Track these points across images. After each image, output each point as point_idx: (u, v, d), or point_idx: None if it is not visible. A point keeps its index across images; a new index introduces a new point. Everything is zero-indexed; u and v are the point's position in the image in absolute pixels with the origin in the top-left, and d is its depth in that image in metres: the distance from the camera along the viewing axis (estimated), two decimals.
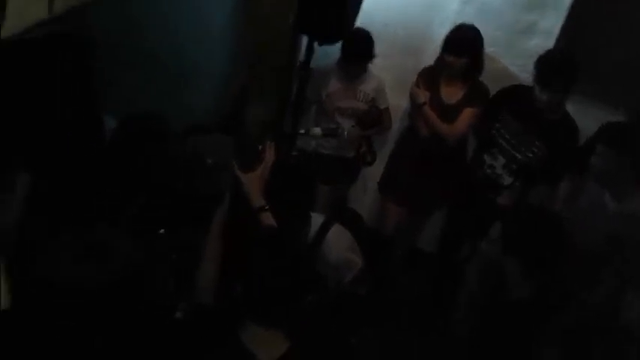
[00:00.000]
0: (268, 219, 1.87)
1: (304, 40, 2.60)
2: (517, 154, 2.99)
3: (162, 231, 2.40)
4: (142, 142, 2.64)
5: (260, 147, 1.91)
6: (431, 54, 3.20)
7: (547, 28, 3.22)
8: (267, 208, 1.88)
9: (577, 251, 2.43)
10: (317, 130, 2.79)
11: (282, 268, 1.58)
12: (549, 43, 3.18)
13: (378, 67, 3.25)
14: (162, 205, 2.39)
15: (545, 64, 2.78)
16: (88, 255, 2.24)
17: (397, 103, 3.38)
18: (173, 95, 2.94)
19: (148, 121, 2.75)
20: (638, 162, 2.43)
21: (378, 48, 3.14)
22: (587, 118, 2.91)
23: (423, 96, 3.11)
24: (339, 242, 2.20)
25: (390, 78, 3.31)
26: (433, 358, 2.84)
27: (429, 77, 3.17)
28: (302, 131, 2.81)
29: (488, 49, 3.09)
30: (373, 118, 3.31)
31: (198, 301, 1.84)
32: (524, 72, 3.10)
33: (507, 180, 3.06)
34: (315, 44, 2.65)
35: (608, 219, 2.50)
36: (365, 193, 3.79)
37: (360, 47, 3.10)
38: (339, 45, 2.99)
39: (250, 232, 1.87)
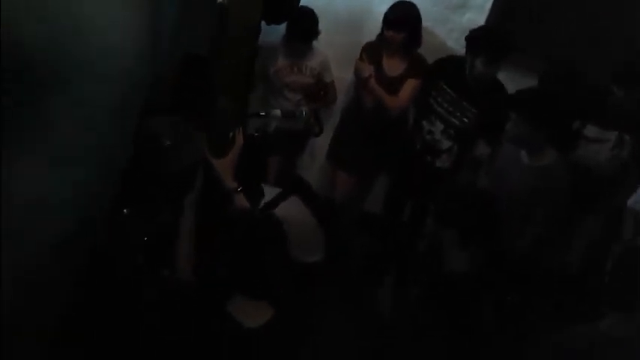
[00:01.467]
0: (241, 200, 1.98)
1: None
2: (454, 120, 3.23)
3: (125, 211, 2.48)
4: None
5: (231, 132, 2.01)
6: (372, 29, 3.34)
7: (479, 3, 3.43)
8: (239, 189, 2.00)
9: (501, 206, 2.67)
10: (277, 112, 2.89)
11: (259, 242, 1.73)
12: (481, 17, 3.40)
13: (322, 42, 3.37)
14: (127, 187, 2.46)
15: (476, 38, 3.01)
16: None
17: (341, 76, 3.52)
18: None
19: None
20: (545, 125, 2.67)
21: (321, 24, 3.25)
22: (516, 86, 3.16)
23: (367, 69, 3.25)
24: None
25: (334, 53, 3.44)
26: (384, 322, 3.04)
27: (372, 51, 3.32)
28: (262, 113, 2.92)
29: (426, 23, 3.28)
30: (320, 91, 3.45)
31: (177, 278, 1.96)
32: (458, 45, 3.34)
33: (446, 144, 3.30)
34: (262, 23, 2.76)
35: (523, 173, 2.75)
36: (313, 162, 3.95)
37: (305, 25, 3.20)
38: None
39: (225, 211, 1.99)
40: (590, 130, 3.05)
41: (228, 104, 2.57)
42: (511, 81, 3.19)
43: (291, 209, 2.32)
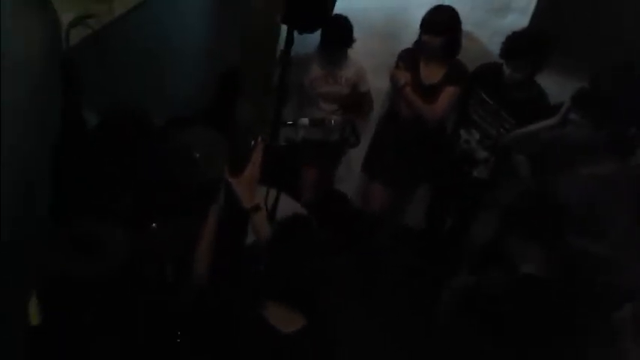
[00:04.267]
0: (261, 219, 1.92)
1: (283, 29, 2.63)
2: (490, 130, 3.09)
3: (154, 225, 2.46)
4: (125, 137, 2.67)
5: (251, 144, 1.95)
6: (409, 38, 3.24)
7: (522, 5, 3.27)
8: (259, 207, 1.94)
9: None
10: (305, 121, 2.83)
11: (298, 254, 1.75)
12: (524, 20, 3.24)
13: (357, 51, 3.29)
14: (154, 199, 2.44)
15: (509, 41, 2.88)
16: (84, 250, 2.31)
17: (378, 86, 3.43)
18: (159, 87, 2.95)
19: (132, 116, 2.77)
20: (608, 130, 2.51)
21: (357, 33, 3.18)
22: (564, 92, 2.99)
23: (404, 78, 3.16)
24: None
25: (369, 62, 3.36)
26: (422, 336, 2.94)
27: (409, 59, 3.21)
28: (290, 122, 2.85)
29: (466, 27, 3.14)
30: (355, 101, 3.37)
31: (196, 286, 1.95)
32: (499, 50, 3.17)
33: (482, 154, 3.17)
34: (295, 33, 2.70)
35: (582, 184, 2.59)
36: (349, 174, 3.86)
37: (339, 34, 3.14)
38: (317, 32, 3.02)
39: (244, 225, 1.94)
40: None
41: (248, 112, 2.51)
42: (558, 86, 3.02)
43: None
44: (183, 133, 2.59)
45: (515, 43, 2.87)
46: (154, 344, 2.22)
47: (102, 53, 2.32)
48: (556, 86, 3.03)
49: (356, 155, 3.68)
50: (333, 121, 2.97)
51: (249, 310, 1.75)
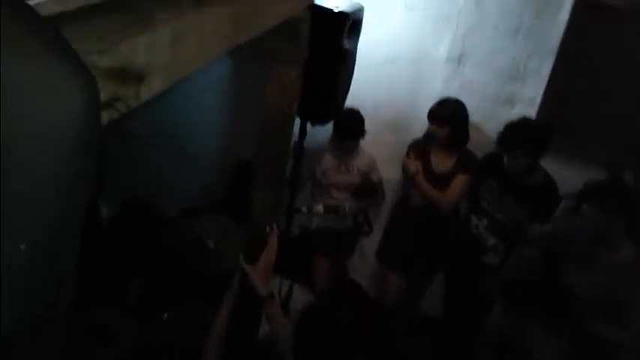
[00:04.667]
0: (275, 306, 1.91)
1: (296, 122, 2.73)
2: (498, 216, 3.11)
3: (165, 316, 2.45)
4: (139, 229, 2.71)
5: (265, 233, 1.96)
6: (419, 131, 3.35)
7: (529, 97, 3.38)
8: (274, 295, 1.93)
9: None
10: (319, 208, 2.87)
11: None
12: (532, 111, 3.34)
13: (369, 143, 3.40)
14: (167, 289, 2.45)
15: (503, 133, 2.95)
16: (95, 340, 2.29)
17: (389, 176, 3.51)
18: (173, 178, 3.02)
19: (144, 208, 2.82)
20: (623, 218, 2.50)
21: (368, 127, 3.29)
22: (575, 178, 3.02)
23: (415, 166, 3.23)
24: None
25: (380, 154, 3.45)
26: None
27: (419, 149, 3.30)
28: (304, 209, 2.90)
29: (474, 119, 3.25)
30: (368, 190, 3.42)
31: None
32: None
33: (491, 240, 3.17)
34: (308, 125, 2.81)
35: (602, 273, 2.55)
36: (364, 262, 3.84)
37: (351, 125, 3.25)
38: (329, 126, 3.14)
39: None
40: None
41: (263, 198, 2.56)
42: (573, 172, 3.05)
43: None
44: (197, 223, 2.62)
45: (508, 134, 2.93)
46: None
47: (125, 138, 2.39)
48: (567, 172, 3.07)
49: (369, 244, 3.69)
50: (347, 208, 2.99)
51: None
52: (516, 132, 2.91)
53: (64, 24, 0.92)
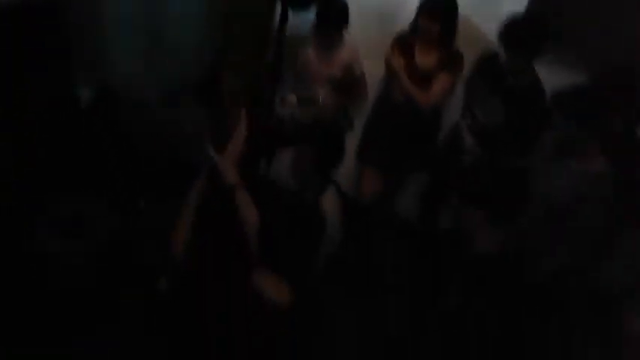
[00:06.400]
0: (244, 196, 1.86)
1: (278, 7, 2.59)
2: (480, 117, 3.05)
3: (142, 204, 2.42)
4: (116, 113, 2.62)
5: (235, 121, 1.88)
6: (405, 21, 3.19)
7: None
8: (241, 184, 1.88)
9: (542, 205, 2.51)
10: (292, 98, 2.78)
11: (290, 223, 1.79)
12: (520, 6, 3.22)
13: (352, 35, 3.24)
14: (143, 176, 2.40)
15: (506, 27, 2.82)
16: (73, 228, 2.29)
17: (373, 72, 3.38)
18: (146, 63, 2.89)
19: (122, 91, 2.72)
20: (596, 128, 2.48)
21: (352, 17, 3.12)
22: (560, 81, 2.97)
23: (398, 62, 3.12)
24: None
25: (365, 47, 3.30)
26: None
27: (404, 43, 3.17)
28: (277, 100, 2.80)
29: (462, 12, 3.10)
30: (349, 84, 3.31)
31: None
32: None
33: (469, 141, 3.13)
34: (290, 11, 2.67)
35: (571, 177, 2.57)
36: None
37: (334, 11, 3.08)
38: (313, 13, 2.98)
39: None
40: None
41: (233, 83, 2.46)
42: (549, 75, 2.99)
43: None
44: (171, 109, 2.55)
45: (512, 29, 2.80)
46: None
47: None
48: (549, 75, 3.01)
49: (350, 143, 3.64)
50: (321, 99, 2.89)
51: (240, 279, 1.73)
52: (521, 27, 2.78)
53: None
